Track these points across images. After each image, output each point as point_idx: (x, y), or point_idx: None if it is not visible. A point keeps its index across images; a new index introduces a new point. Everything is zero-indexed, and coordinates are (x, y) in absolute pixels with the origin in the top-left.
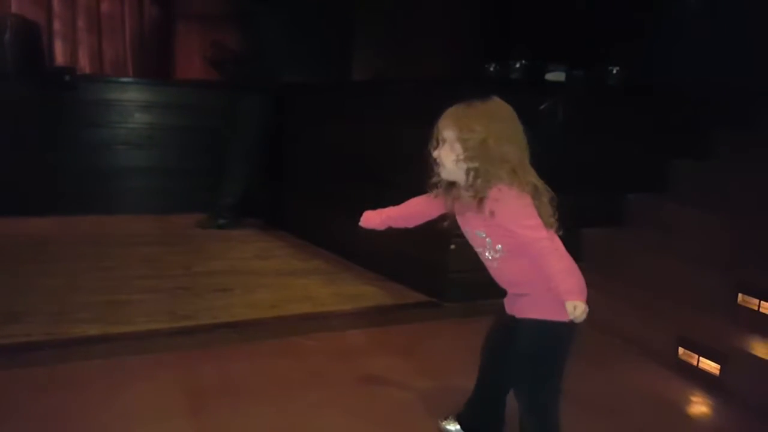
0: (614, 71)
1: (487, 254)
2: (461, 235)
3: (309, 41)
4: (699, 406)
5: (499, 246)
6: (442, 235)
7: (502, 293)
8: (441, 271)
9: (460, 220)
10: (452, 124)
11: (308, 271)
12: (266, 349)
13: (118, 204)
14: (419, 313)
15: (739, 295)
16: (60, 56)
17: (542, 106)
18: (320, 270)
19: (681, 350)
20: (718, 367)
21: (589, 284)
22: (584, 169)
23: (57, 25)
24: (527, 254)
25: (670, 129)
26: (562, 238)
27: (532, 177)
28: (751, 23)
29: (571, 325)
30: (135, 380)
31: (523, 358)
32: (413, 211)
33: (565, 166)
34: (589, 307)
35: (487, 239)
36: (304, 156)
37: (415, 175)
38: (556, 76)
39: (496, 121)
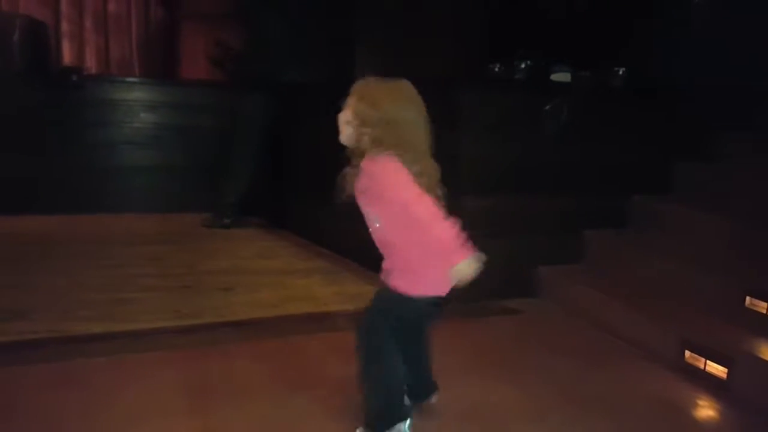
0: (620, 72)
1: (373, 227)
2: None
3: (311, 40)
4: (705, 410)
5: (377, 218)
6: None
7: (501, 293)
8: None
9: (359, 203)
10: (356, 95)
11: (311, 271)
12: (269, 348)
13: (123, 203)
14: None
15: (747, 298)
16: (67, 56)
17: (547, 107)
18: (323, 269)
19: (687, 353)
20: (725, 370)
21: (593, 286)
22: (589, 170)
23: (64, 26)
24: (397, 228)
25: (675, 130)
26: (566, 240)
27: (422, 166)
28: (756, 24)
29: (421, 300)
30: (138, 378)
31: (371, 310)
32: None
33: (569, 167)
34: (593, 308)
35: (373, 216)
36: (307, 155)
37: None
38: (561, 76)
39: (399, 105)
